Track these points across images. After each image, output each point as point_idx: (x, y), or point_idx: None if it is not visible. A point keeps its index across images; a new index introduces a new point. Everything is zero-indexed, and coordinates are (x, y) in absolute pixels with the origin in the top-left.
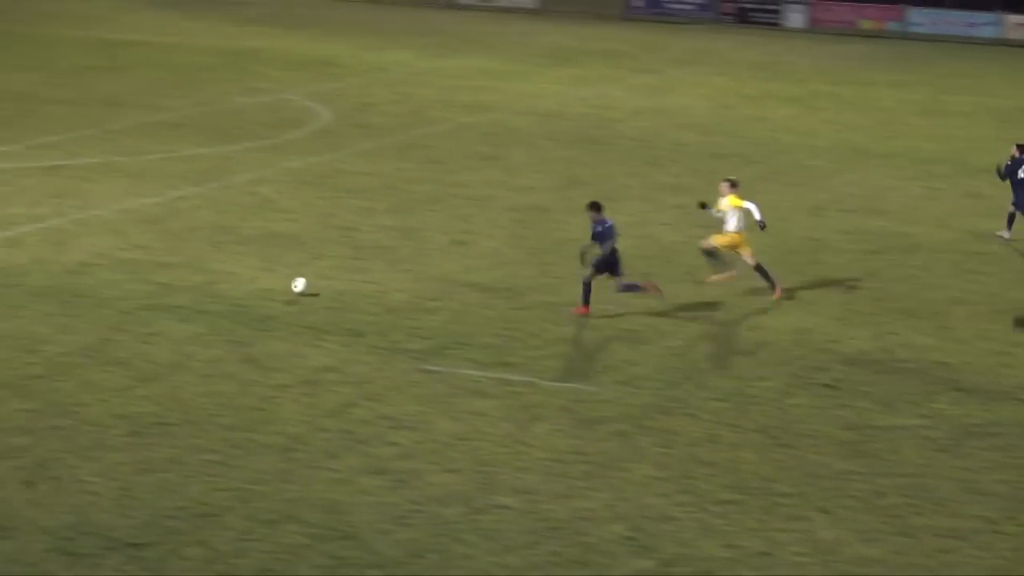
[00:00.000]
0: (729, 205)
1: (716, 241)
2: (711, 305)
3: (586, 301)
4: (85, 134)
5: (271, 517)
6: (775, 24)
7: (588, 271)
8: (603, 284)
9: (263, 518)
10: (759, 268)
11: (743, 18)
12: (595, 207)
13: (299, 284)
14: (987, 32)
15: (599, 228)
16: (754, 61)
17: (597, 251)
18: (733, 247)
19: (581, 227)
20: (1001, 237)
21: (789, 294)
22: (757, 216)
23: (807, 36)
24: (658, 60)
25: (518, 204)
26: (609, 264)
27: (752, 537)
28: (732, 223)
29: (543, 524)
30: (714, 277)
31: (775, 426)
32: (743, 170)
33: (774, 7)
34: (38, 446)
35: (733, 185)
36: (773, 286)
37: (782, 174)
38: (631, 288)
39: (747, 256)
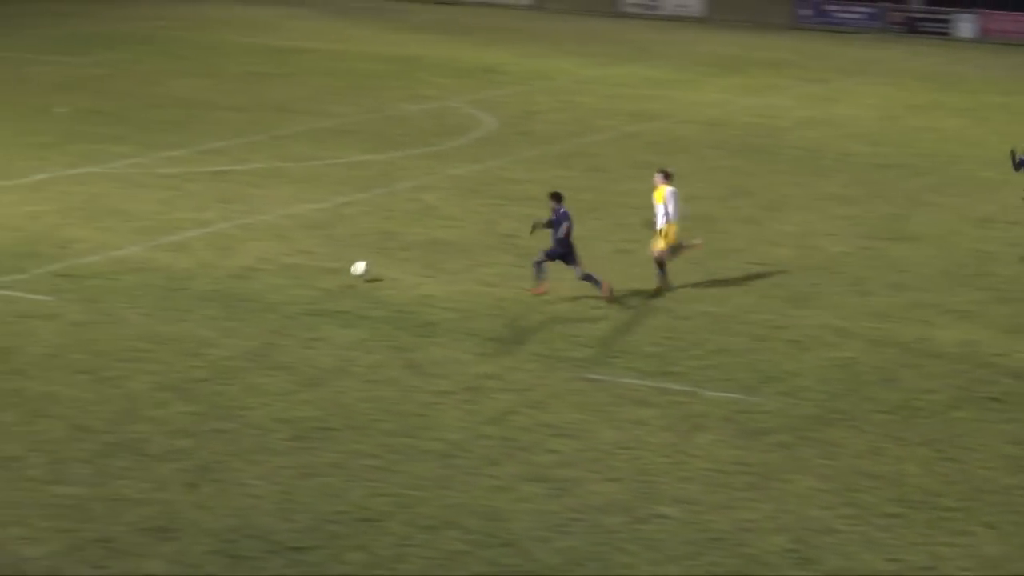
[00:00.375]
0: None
1: (658, 247)
2: (876, 316)
3: (539, 279)
4: (253, 140)
5: (431, 523)
6: (944, 34)
7: (540, 254)
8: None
9: (423, 524)
10: (660, 263)
11: (912, 28)
12: (554, 197)
13: (359, 267)
14: None
15: (553, 217)
16: (923, 71)
17: (550, 230)
18: (669, 238)
19: (747, 236)
20: None
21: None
22: (659, 221)
23: (977, 46)
24: (825, 69)
25: (682, 213)
26: (560, 253)
27: (916, 551)
28: (661, 218)
29: (704, 535)
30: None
31: (940, 439)
32: (911, 181)
33: (944, 17)
34: (202, 449)
35: (666, 177)
36: (660, 285)
37: (950, 185)
38: (588, 279)
39: (658, 248)
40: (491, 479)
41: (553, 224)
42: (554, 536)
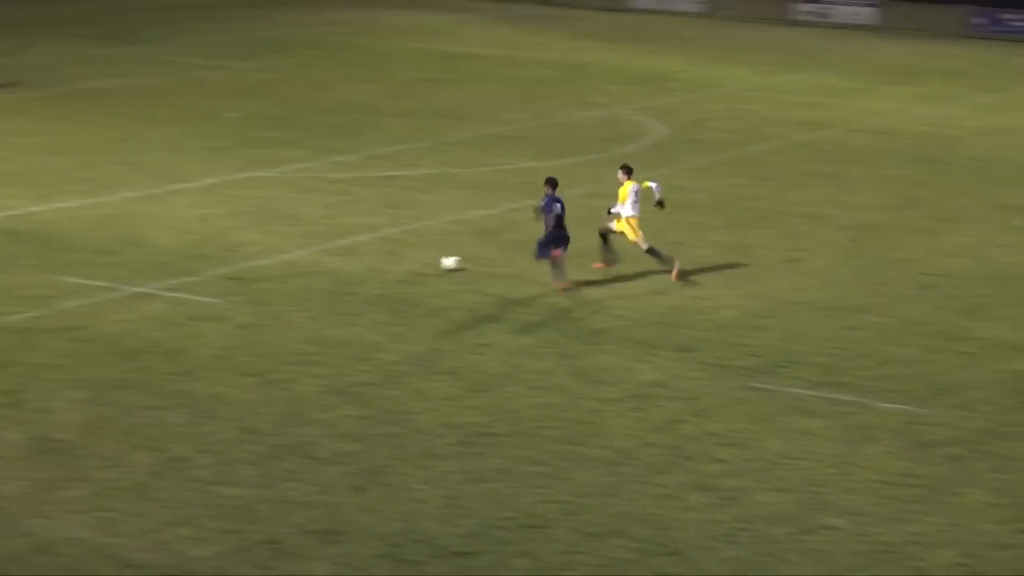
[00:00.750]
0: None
1: (633, 239)
2: None
3: (557, 277)
4: (421, 146)
5: (597, 530)
6: None
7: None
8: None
9: (589, 531)
10: (606, 239)
11: None
12: (548, 183)
13: (449, 262)
14: None
15: (543, 202)
16: None
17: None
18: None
19: (918, 247)
20: None
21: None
22: (624, 212)
23: None
24: (1000, 79)
25: (853, 222)
26: (554, 239)
27: None
28: (627, 209)
29: (872, 547)
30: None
31: None
32: None
33: None
34: (369, 453)
35: (628, 172)
36: (606, 260)
37: None
38: (541, 252)
39: (637, 239)
40: (658, 487)
41: (541, 210)
42: (720, 546)
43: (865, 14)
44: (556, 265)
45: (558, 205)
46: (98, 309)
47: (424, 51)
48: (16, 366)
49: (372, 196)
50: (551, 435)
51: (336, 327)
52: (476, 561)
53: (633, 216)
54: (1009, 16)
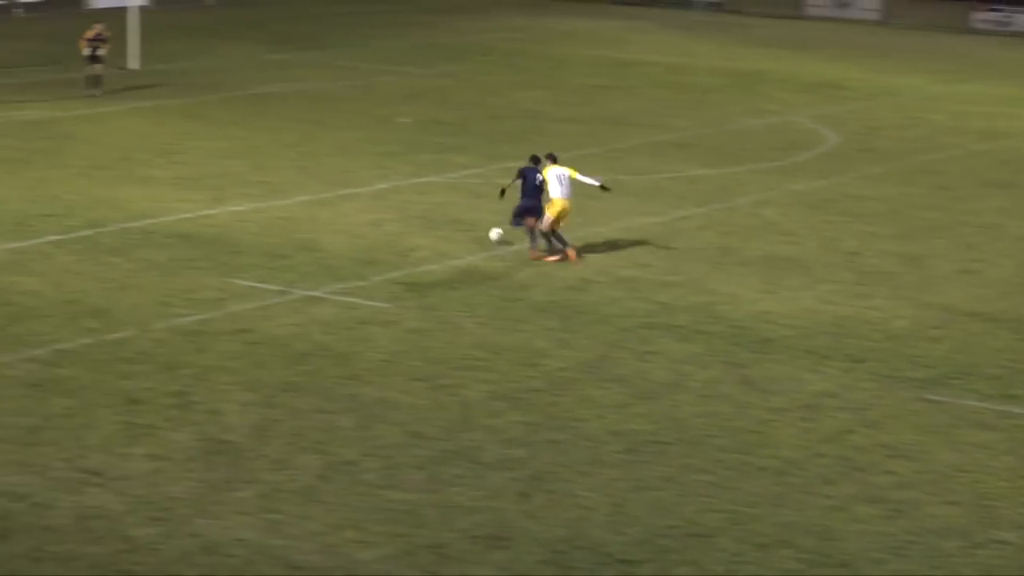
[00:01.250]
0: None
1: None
2: None
3: (550, 250)
4: (591, 152)
5: (764, 540)
6: None
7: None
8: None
9: (756, 541)
10: (546, 235)
11: None
12: (532, 159)
13: (494, 234)
14: None
15: (522, 170)
16: None
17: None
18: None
19: None
20: None
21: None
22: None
23: None
24: None
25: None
26: (526, 208)
27: None
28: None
29: None
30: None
31: None
32: None
33: None
34: (535, 459)
35: (553, 159)
36: (540, 255)
37: None
38: (532, 233)
39: (546, 220)
40: (826, 499)
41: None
42: (889, 558)
43: None
44: (531, 235)
45: (538, 176)
46: (268, 312)
47: (594, 57)
48: (186, 368)
49: None
50: (718, 444)
51: (504, 333)
52: (641, 569)
53: (561, 198)
54: None
